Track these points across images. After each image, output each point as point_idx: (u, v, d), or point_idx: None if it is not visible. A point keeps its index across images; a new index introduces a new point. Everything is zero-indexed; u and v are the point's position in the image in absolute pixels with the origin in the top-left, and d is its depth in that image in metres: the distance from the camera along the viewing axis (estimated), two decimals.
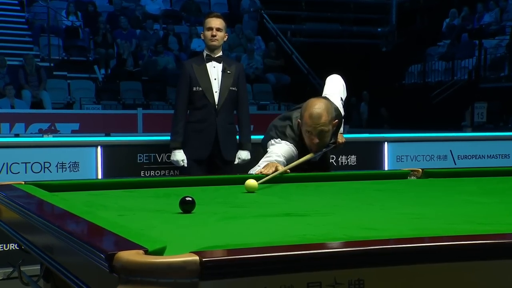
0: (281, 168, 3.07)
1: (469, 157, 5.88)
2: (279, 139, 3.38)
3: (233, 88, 4.41)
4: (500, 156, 5.93)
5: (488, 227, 1.83)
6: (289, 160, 3.30)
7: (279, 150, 3.30)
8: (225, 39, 4.50)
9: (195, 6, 15.69)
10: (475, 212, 2.16)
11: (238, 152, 4.49)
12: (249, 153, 4.50)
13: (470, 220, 1.98)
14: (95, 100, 12.41)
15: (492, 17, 15.12)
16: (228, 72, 4.42)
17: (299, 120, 3.34)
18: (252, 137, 4.51)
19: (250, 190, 2.63)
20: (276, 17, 16.47)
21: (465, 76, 14.12)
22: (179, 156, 4.43)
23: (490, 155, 5.92)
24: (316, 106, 3.28)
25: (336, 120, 3.36)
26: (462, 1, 16.38)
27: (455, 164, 5.78)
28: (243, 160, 4.49)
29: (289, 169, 3.13)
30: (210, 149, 4.39)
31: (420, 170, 3.22)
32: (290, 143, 3.36)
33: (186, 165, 4.43)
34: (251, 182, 2.63)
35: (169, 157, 4.56)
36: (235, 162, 4.49)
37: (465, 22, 15.66)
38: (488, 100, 12.55)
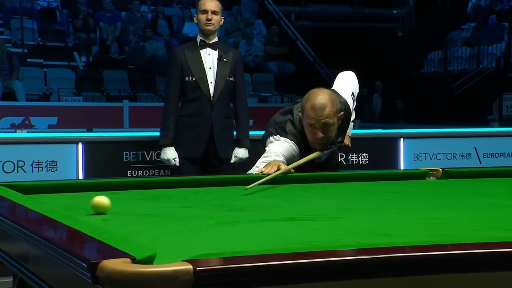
0: (284, 168, 3.07)
1: (496, 155, 5.90)
2: (278, 135, 3.37)
3: (230, 78, 4.40)
4: None
5: None
6: (289, 160, 3.30)
7: (277, 149, 3.29)
8: (221, 23, 4.49)
9: None
10: (502, 216, 2.16)
11: (235, 150, 4.49)
12: (247, 151, 4.50)
13: (496, 225, 1.98)
14: (75, 91, 12.43)
15: None
16: (225, 60, 4.41)
17: (300, 114, 3.33)
18: (251, 132, 4.53)
19: (98, 211, 2.24)
20: None
21: (493, 64, 14.12)
22: (170, 154, 4.44)
23: None
24: (320, 97, 3.26)
25: (342, 113, 3.34)
26: None
27: (480, 163, 5.82)
28: (241, 158, 4.49)
29: (293, 168, 3.14)
30: (204, 146, 4.39)
31: (440, 169, 3.24)
32: (291, 140, 3.35)
33: (177, 164, 4.43)
34: (99, 201, 2.22)
35: (158, 155, 4.56)
36: (232, 161, 4.49)
37: (493, 2, 15.62)
38: None
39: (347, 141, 3.80)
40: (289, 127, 3.38)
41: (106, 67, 13.12)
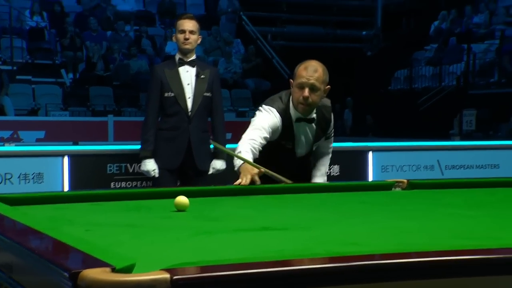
0: (258, 179, 3.12)
1: (457, 167, 5.93)
2: (268, 107, 3.42)
3: (207, 94, 4.39)
4: (489, 166, 6.00)
5: (474, 241, 1.85)
6: (273, 133, 3.37)
7: (264, 121, 3.35)
8: (199, 41, 4.50)
9: (170, 6, 15.69)
10: (461, 226, 2.17)
11: (212, 162, 4.47)
12: (224, 163, 4.48)
13: (455, 235, 1.99)
14: (62, 106, 12.34)
15: (481, 20, 15.31)
16: (202, 77, 4.40)
17: (291, 80, 3.42)
18: (230, 145, 4.49)
19: (180, 208, 2.48)
20: (256, 19, 16.54)
21: (453, 82, 14.26)
22: (150, 165, 4.41)
23: (479, 165, 5.99)
24: (313, 62, 3.40)
25: (329, 86, 3.43)
26: (450, 4, 16.54)
27: (443, 174, 5.82)
28: (218, 170, 4.48)
29: (263, 174, 3.18)
30: (182, 158, 4.36)
31: (406, 181, 3.24)
32: (277, 111, 3.41)
33: (157, 175, 4.40)
34: (181, 200, 2.48)
35: (140, 167, 4.52)
36: (210, 172, 4.46)
37: (453, 25, 15.81)
38: (477, 107, 12.65)
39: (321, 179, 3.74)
40: (277, 101, 3.46)
41: (92, 83, 13.06)
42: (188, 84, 4.39)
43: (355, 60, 16.64)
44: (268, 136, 3.35)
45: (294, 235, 1.99)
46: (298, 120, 3.46)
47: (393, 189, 3.21)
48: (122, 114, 12.34)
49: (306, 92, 3.35)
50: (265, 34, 16.56)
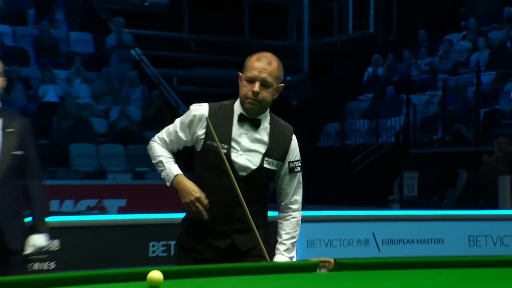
0: (203, 198, 3.34)
1: (396, 241, 6.02)
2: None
3: (18, 152, 4.07)
4: (433, 240, 6.13)
5: None
6: (196, 127, 3.50)
7: (182, 117, 3.55)
8: (4, 85, 4.13)
9: (51, 42, 15.34)
10: None
11: (29, 238, 4.14)
12: (46, 237, 4.18)
13: None
14: None
15: (421, 68, 15.79)
16: (10, 130, 4.07)
17: (240, 73, 3.55)
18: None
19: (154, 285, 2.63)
20: (158, 60, 16.60)
21: (392, 138, 14.52)
22: None
23: (421, 240, 6.09)
24: (268, 54, 3.55)
25: (282, 85, 3.56)
26: (386, 47, 17.16)
27: (379, 250, 5.91)
28: (38, 247, 4.17)
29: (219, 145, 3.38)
30: None
31: (332, 260, 3.24)
32: (209, 104, 3.55)
33: None
34: (154, 276, 2.66)
35: None
36: (27, 252, 4.13)
37: (390, 71, 16.24)
38: (419, 169, 12.88)
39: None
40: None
41: None
42: None
43: (277, 110, 16.77)
44: (183, 135, 3.50)
45: None
46: (242, 119, 3.52)
47: (317, 270, 3.19)
48: None
49: (256, 86, 3.47)
50: (170, 78, 16.67)
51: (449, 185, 12.67)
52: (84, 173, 13.09)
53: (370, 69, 16.57)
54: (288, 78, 18.38)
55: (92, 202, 11.87)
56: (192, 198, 3.37)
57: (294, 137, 3.65)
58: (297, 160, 3.63)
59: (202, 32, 17.95)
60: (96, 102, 14.51)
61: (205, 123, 3.47)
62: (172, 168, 3.49)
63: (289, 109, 17.40)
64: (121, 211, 11.51)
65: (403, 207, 11.61)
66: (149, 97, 15.00)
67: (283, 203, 3.63)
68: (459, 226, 6.31)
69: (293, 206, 3.63)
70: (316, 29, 18.98)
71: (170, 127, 3.57)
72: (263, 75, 3.47)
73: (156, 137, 3.62)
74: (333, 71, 18.82)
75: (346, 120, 15.77)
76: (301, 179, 3.66)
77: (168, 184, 3.47)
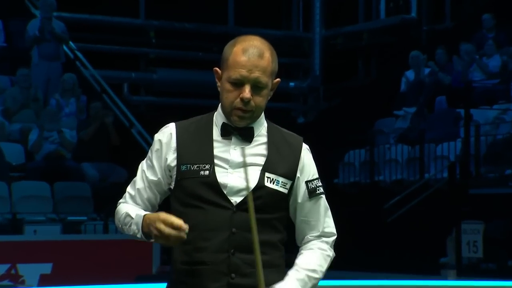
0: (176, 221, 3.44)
1: None
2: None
3: None
4: None
5: None
6: (167, 154, 3.65)
7: (150, 154, 3.69)
8: None
9: None
10: None
11: None
12: None
13: None
14: None
15: (488, 69, 15.64)
16: None
17: (217, 69, 3.67)
18: None
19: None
20: (102, 57, 16.72)
21: (444, 173, 14.31)
22: None
23: None
24: (256, 41, 3.59)
25: (278, 80, 3.68)
26: (435, 39, 17.27)
27: None
28: None
29: None
30: None
31: None
32: (176, 123, 3.70)
33: None
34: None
35: None
36: None
37: (441, 75, 16.05)
38: (485, 218, 12.84)
39: None
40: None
41: None
42: None
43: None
44: (152, 173, 3.64)
45: None
46: (226, 130, 3.62)
47: None
48: None
49: (247, 91, 3.54)
50: (119, 84, 16.64)
51: None
52: None
53: (410, 72, 16.54)
54: (291, 84, 18.71)
55: (2, 268, 11.92)
56: (157, 226, 3.46)
57: (306, 148, 3.72)
58: (317, 179, 3.71)
59: (165, 17, 18.14)
60: (8, 119, 14.43)
61: (175, 144, 3.62)
62: (140, 213, 3.59)
63: (294, 129, 17.00)
64: (44, 281, 11.76)
65: (461, 275, 11.81)
66: (87, 111, 15.03)
67: (305, 230, 3.71)
68: None
69: (325, 238, 3.69)
70: (333, 14, 19.23)
71: (137, 177, 3.72)
72: (255, 74, 3.53)
73: (121, 200, 3.77)
74: (358, 74, 18.81)
75: (376, 146, 15.81)
76: (327, 204, 3.74)
77: (139, 235, 3.57)
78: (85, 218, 13.38)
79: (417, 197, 14.10)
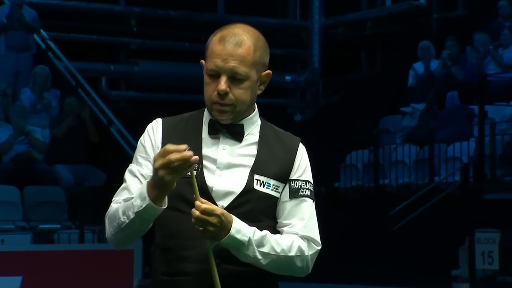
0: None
1: None
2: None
3: None
4: None
5: None
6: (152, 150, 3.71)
7: (137, 152, 3.74)
8: None
9: None
10: None
11: None
12: None
13: None
14: None
15: (504, 62, 16.04)
16: None
17: (203, 61, 3.71)
18: None
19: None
20: (77, 48, 17.18)
21: (456, 176, 14.51)
22: None
23: None
24: (238, 29, 3.64)
25: (268, 71, 3.68)
26: (446, 29, 17.84)
27: None
28: None
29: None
30: None
31: None
32: (162, 118, 3.77)
33: None
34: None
35: None
36: None
37: (453, 68, 16.26)
38: (502, 225, 13.05)
39: None
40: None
41: None
42: None
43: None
44: (146, 163, 3.64)
45: None
46: (214, 128, 3.64)
47: None
48: None
49: (223, 83, 3.56)
50: (96, 77, 16.98)
51: None
52: None
53: (419, 64, 16.73)
54: (288, 77, 18.89)
55: None
56: (156, 165, 3.37)
57: (302, 149, 3.71)
58: (305, 181, 3.66)
59: (148, 4, 18.30)
60: None
61: (160, 142, 3.62)
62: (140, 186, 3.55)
63: (290, 127, 17.29)
64: None
65: None
66: (61, 107, 15.19)
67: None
68: None
69: (308, 241, 3.63)
70: (333, 0, 19.47)
71: (126, 182, 3.65)
72: (231, 64, 3.55)
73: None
74: (361, 67, 18.97)
75: (381, 146, 15.94)
76: (314, 212, 3.69)
77: (146, 203, 3.38)
78: (58, 226, 13.55)
79: (426, 202, 14.21)
